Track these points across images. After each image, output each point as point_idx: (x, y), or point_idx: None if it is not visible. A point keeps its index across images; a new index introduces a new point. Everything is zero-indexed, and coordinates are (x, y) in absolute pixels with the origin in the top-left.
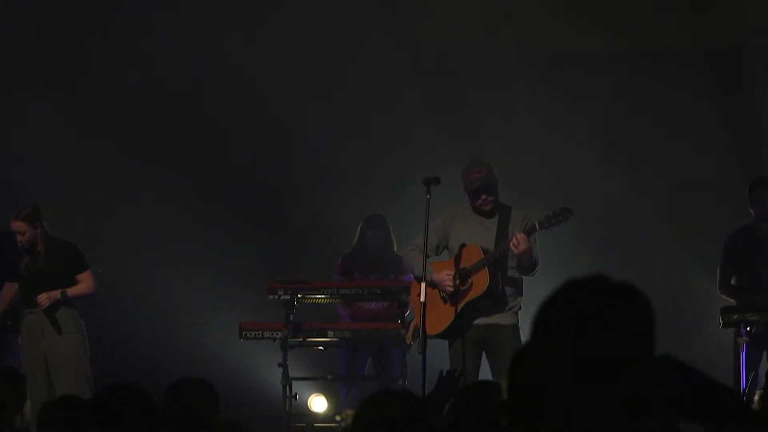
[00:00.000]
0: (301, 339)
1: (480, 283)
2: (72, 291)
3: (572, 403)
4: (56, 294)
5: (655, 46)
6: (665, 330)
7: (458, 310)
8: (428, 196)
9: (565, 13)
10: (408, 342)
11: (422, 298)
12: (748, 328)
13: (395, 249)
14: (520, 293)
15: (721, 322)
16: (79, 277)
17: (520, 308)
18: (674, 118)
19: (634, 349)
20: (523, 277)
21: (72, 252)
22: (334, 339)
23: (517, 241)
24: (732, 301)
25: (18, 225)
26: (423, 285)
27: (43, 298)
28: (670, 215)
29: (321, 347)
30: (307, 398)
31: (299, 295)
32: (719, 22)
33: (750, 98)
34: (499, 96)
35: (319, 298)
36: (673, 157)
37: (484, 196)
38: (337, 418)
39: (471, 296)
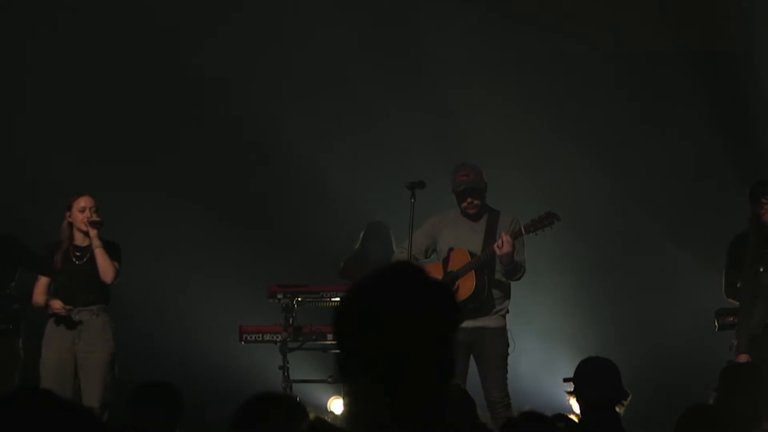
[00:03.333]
0: (301, 342)
1: (466, 286)
2: (104, 256)
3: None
4: (95, 234)
5: (647, 47)
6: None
7: None
8: (413, 200)
9: (550, 15)
10: None
11: None
12: None
13: (395, 249)
14: (507, 296)
15: (716, 325)
16: (114, 263)
17: (507, 311)
18: (665, 119)
19: (423, 349)
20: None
21: (115, 245)
22: (333, 342)
23: (502, 243)
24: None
25: (90, 200)
26: None
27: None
28: (662, 216)
29: (321, 350)
30: (326, 401)
31: (298, 299)
32: (710, 24)
33: (743, 100)
34: (486, 100)
35: (317, 301)
36: (666, 159)
37: (469, 200)
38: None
39: (457, 299)
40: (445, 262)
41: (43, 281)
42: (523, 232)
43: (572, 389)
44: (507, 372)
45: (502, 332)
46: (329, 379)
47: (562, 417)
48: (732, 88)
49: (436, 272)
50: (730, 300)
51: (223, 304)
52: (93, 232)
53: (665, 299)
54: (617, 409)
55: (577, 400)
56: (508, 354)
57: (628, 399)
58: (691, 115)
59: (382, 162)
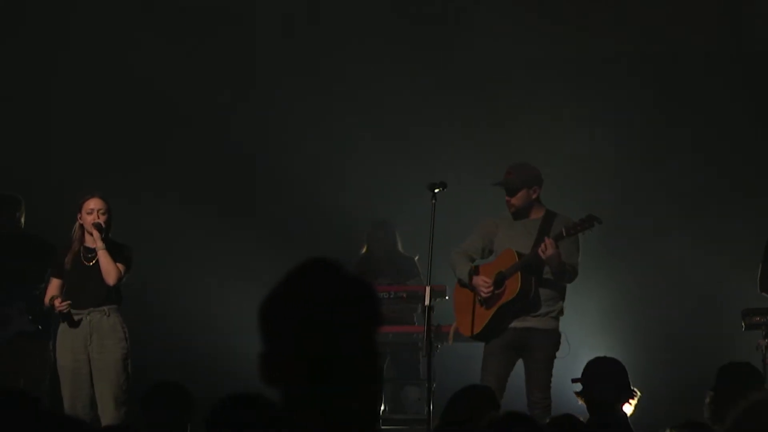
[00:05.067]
0: None
1: (512, 286)
2: (107, 257)
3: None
4: (100, 241)
5: (686, 45)
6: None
7: (492, 313)
8: (434, 201)
9: (583, 15)
10: (450, 343)
11: (426, 302)
12: None
13: (401, 250)
14: (560, 298)
15: (743, 324)
16: (118, 264)
17: (560, 313)
18: (702, 119)
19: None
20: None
21: (125, 247)
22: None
23: (545, 246)
24: None
25: (99, 202)
26: (427, 289)
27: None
28: (700, 217)
29: None
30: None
31: None
32: (748, 23)
33: None
34: (513, 101)
35: None
36: (702, 158)
37: (506, 198)
38: None
39: (504, 299)
40: (496, 262)
41: (54, 283)
42: (564, 235)
43: (580, 390)
44: (551, 374)
45: (551, 334)
46: None
47: (569, 417)
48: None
49: (486, 272)
50: (764, 294)
51: (252, 306)
52: (95, 234)
53: (696, 297)
54: (625, 408)
55: (585, 401)
56: (555, 356)
57: (636, 398)
58: (727, 115)
59: (405, 163)
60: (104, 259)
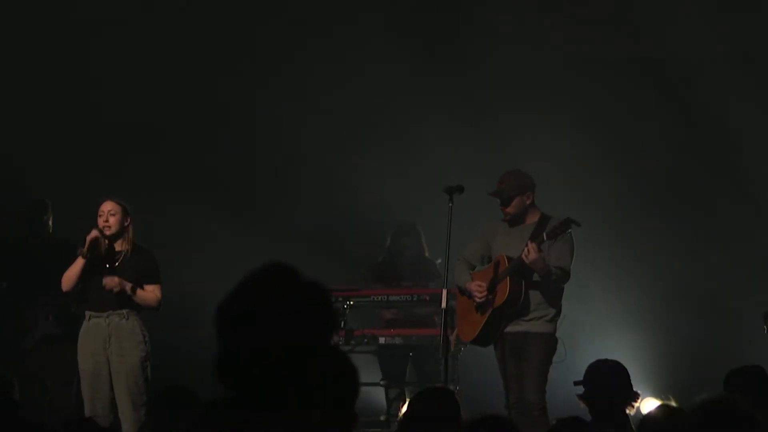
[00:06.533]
0: (353, 345)
1: (502, 291)
2: (141, 294)
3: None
4: (127, 285)
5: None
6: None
7: (486, 318)
8: (450, 205)
9: (591, 16)
10: (452, 348)
11: (443, 305)
12: None
13: (427, 255)
14: (553, 302)
15: (765, 327)
16: (148, 287)
17: (556, 316)
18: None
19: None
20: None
21: (151, 261)
22: (384, 345)
23: (527, 251)
24: None
25: (111, 205)
26: (444, 292)
27: (115, 282)
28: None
29: (372, 353)
30: (378, 404)
31: (350, 302)
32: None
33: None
34: (526, 103)
35: (369, 305)
36: (705, 158)
37: (501, 207)
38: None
39: (495, 304)
40: (490, 268)
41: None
42: (545, 239)
43: (582, 392)
44: (545, 378)
45: (545, 337)
46: (381, 383)
47: (576, 420)
48: None
49: (481, 278)
50: None
51: None
52: (128, 289)
53: (696, 297)
54: (627, 410)
55: (587, 403)
56: (551, 360)
57: (638, 401)
58: (727, 115)
59: (420, 166)
60: (141, 299)
